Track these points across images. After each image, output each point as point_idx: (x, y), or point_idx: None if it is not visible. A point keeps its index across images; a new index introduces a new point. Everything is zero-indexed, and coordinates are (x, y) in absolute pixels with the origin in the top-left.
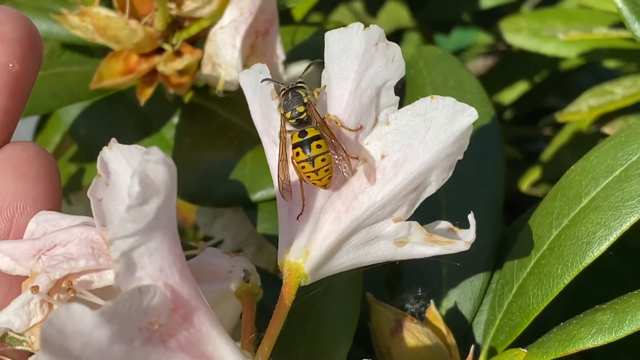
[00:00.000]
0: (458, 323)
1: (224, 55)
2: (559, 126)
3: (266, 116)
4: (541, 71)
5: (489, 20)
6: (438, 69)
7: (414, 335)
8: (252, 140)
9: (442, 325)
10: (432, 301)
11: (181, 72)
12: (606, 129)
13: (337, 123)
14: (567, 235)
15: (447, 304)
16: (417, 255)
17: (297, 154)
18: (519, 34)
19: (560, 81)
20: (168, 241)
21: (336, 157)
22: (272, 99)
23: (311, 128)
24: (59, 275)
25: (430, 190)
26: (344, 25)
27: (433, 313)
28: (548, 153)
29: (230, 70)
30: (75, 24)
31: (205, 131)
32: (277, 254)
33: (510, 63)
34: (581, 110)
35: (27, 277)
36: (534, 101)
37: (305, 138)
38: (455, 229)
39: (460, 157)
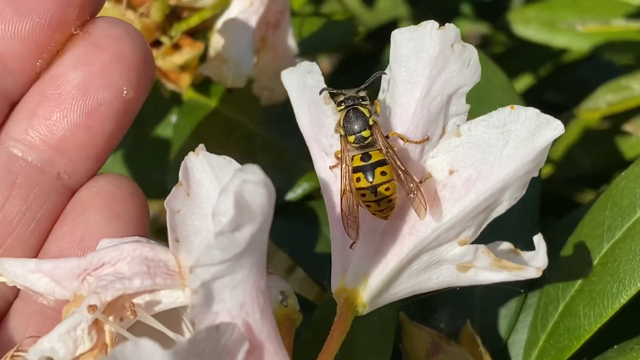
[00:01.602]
0: (493, 342)
1: (233, 50)
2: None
3: (316, 121)
4: (543, 64)
5: (489, 11)
6: None
7: (451, 357)
8: (260, 141)
9: (479, 346)
10: (468, 321)
11: (182, 68)
12: (628, 127)
13: (403, 140)
14: (622, 249)
15: (480, 322)
16: (481, 282)
17: (358, 179)
18: (528, 25)
19: (561, 75)
20: (255, 274)
21: (401, 178)
22: (326, 103)
23: (375, 151)
24: (112, 296)
25: (501, 209)
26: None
27: (469, 333)
28: (558, 150)
29: (239, 66)
30: None
31: (209, 132)
32: (331, 277)
33: (513, 55)
34: (600, 107)
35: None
36: (534, 95)
37: (368, 163)
38: (518, 250)
39: (537, 174)
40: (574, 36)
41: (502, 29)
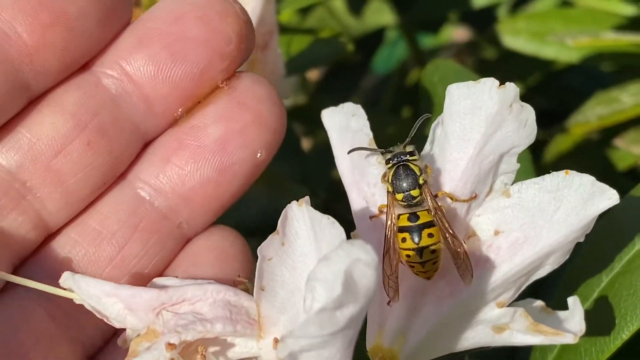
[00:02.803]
0: None
1: None
2: (549, 127)
3: (358, 168)
4: (533, 72)
5: (477, 20)
6: None
7: None
8: None
9: None
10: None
11: None
12: (618, 142)
13: (451, 199)
14: (622, 284)
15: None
16: (515, 343)
17: (404, 239)
18: (517, 36)
19: (550, 82)
20: (343, 351)
21: (448, 241)
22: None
23: (424, 212)
24: (192, 337)
25: (542, 273)
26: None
27: None
28: (548, 161)
29: None
30: None
31: None
32: (365, 333)
33: (502, 63)
34: (590, 121)
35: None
36: (524, 102)
37: (415, 224)
38: (549, 309)
39: (583, 239)
40: (563, 48)
41: (491, 40)
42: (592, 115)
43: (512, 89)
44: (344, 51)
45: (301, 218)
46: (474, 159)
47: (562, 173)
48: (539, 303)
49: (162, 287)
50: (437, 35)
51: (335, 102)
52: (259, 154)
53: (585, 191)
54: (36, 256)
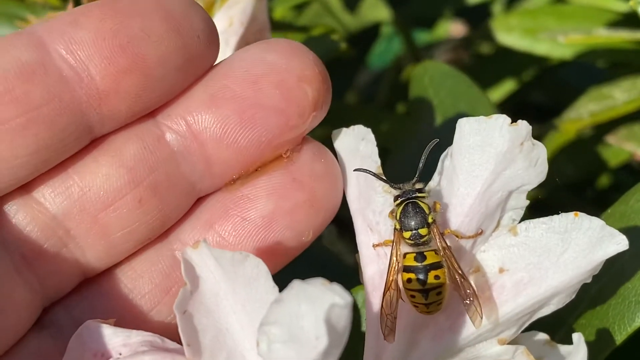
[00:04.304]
0: None
1: None
2: (542, 122)
3: (364, 195)
4: (527, 68)
5: (473, 14)
6: (445, 88)
7: None
8: None
9: None
10: None
11: None
12: (610, 139)
13: (457, 237)
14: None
15: None
16: None
17: (409, 280)
18: (511, 33)
19: (544, 77)
20: None
21: (457, 281)
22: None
23: (431, 252)
24: None
25: (546, 311)
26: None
27: None
28: None
29: None
30: None
31: None
32: None
33: (496, 58)
34: (582, 117)
35: None
36: (518, 97)
37: (422, 264)
38: (553, 343)
39: (589, 281)
40: (555, 45)
41: (485, 36)
42: (584, 111)
43: (524, 127)
44: (337, 49)
45: (200, 260)
46: (482, 196)
47: (571, 215)
48: (543, 336)
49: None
50: (433, 31)
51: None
52: (304, 237)
53: (594, 235)
54: (65, 299)
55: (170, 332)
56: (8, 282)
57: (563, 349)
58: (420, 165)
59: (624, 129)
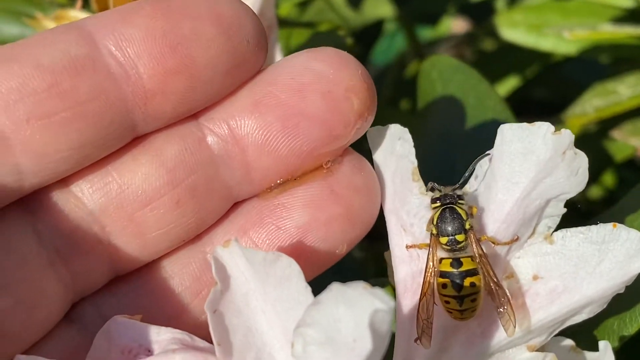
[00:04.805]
0: None
1: None
2: (545, 118)
3: (399, 195)
4: (531, 64)
5: (476, 11)
6: (454, 82)
7: None
8: None
9: None
10: None
11: None
12: (615, 134)
13: (493, 243)
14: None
15: None
16: None
17: (444, 285)
18: (515, 29)
19: (548, 73)
20: None
21: (492, 289)
22: (413, 179)
23: (467, 258)
24: None
25: (577, 319)
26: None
27: None
28: None
29: None
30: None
31: None
32: None
33: (500, 54)
34: (587, 113)
35: None
36: (522, 94)
37: (458, 270)
38: (579, 349)
39: (622, 291)
40: (560, 40)
41: (489, 32)
42: (589, 107)
43: (567, 135)
44: (343, 45)
45: (230, 259)
46: (520, 203)
47: (609, 225)
48: (569, 342)
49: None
50: (436, 27)
51: None
52: (338, 250)
53: (632, 246)
54: (94, 295)
55: (198, 333)
56: (41, 276)
57: (589, 355)
58: (467, 174)
59: (630, 123)
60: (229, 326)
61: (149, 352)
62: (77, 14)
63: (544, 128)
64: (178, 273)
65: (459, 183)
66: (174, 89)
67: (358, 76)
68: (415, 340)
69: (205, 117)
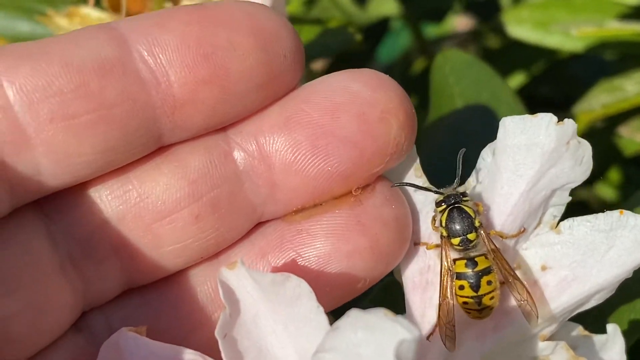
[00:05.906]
0: None
1: None
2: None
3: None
4: (536, 61)
5: (481, 8)
6: (468, 77)
7: None
8: None
9: None
10: None
11: None
12: (623, 131)
13: (501, 237)
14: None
15: None
16: None
17: (462, 287)
18: (522, 25)
19: (554, 71)
20: None
21: (510, 282)
22: (416, 175)
23: (481, 257)
24: None
25: (586, 307)
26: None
27: None
28: None
29: None
30: (62, 26)
31: None
32: None
33: (506, 52)
34: (594, 109)
35: None
36: (527, 91)
37: (473, 271)
38: (585, 332)
39: (630, 275)
40: (567, 37)
41: (495, 29)
42: (596, 103)
43: (570, 125)
44: (352, 41)
45: (237, 281)
46: (526, 195)
47: (616, 213)
48: (576, 326)
49: None
50: (441, 25)
51: None
52: (359, 285)
53: None
54: (104, 306)
55: (211, 354)
56: (52, 281)
57: (597, 339)
58: (458, 170)
59: (637, 120)
60: (240, 349)
61: None
62: (89, 11)
63: (546, 119)
64: (192, 292)
65: (456, 181)
66: (205, 100)
67: (396, 100)
68: (428, 338)
69: (234, 130)
